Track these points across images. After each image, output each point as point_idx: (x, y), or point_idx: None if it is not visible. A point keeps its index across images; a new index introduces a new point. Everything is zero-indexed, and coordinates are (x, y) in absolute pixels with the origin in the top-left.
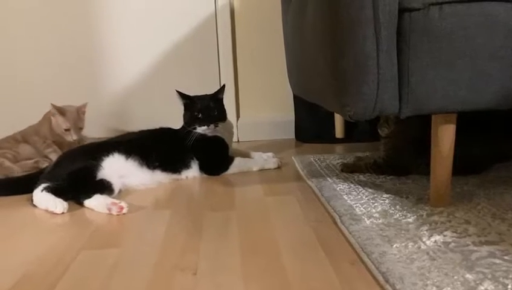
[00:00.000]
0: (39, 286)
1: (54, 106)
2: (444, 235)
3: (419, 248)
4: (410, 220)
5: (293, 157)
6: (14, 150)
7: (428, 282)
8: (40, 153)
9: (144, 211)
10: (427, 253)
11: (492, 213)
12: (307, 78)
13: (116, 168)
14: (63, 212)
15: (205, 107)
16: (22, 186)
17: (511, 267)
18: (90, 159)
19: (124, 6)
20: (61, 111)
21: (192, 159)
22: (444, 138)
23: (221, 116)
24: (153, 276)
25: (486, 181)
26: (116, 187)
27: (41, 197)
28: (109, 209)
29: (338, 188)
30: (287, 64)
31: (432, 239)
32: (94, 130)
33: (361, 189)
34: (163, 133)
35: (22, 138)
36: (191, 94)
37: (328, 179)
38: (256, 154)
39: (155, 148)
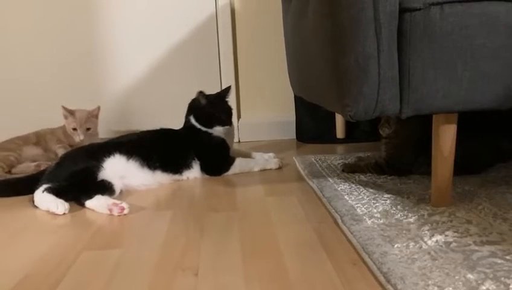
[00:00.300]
0: (41, 287)
1: (64, 108)
2: (446, 235)
3: (420, 247)
4: (411, 220)
5: (294, 158)
6: (18, 152)
7: (429, 282)
8: (45, 156)
9: (145, 211)
10: (429, 253)
11: (494, 213)
12: (307, 78)
13: (117, 169)
14: (64, 213)
15: (226, 108)
16: (23, 187)
17: None
18: (91, 160)
19: (125, 8)
20: (71, 112)
21: (194, 159)
22: (445, 138)
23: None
24: (154, 276)
25: (487, 181)
26: (117, 188)
27: (43, 198)
28: (110, 210)
29: (339, 189)
30: (288, 64)
31: (433, 239)
32: None
33: (363, 189)
34: (164, 134)
35: (37, 138)
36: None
37: (329, 179)
38: (257, 155)
39: (156, 149)
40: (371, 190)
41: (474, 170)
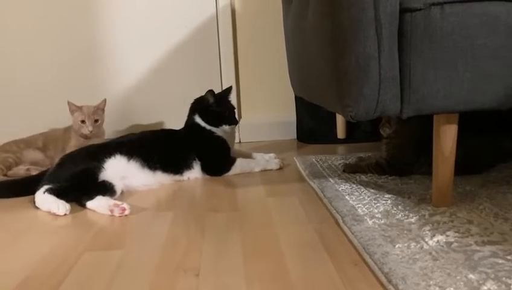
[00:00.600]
0: (42, 288)
1: (70, 103)
2: (447, 235)
3: (421, 248)
4: (412, 220)
5: (294, 158)
6: (18, 154)
7: (431, 282)
8: (46, 161)
9: (146, 212)
10: (430, 253)
11: (495, 213)
12: (308, 78)
13: (118, 169)
14: (65, 214)
15: (232, 107)
16: (24, 188)
17: None
18: (92, 161)
19: (126, 8)
20: (77, 106)
21: (194, 160)
22: (446, 138)
23: None
24: (155, 277)
25: (488, 181)
26: (118, 189)
27: (44, 198)
28: (111, 211)
29: (340, 189)
30: (288, 64)
31: (435, 239)
32: None
33: (364, 189)
34: (165, 134)
35: (44, 142)
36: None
37: (330, 179)
38: (258, 155)
39: (157, 150)
40: (372, 190)
41: (475, 170)
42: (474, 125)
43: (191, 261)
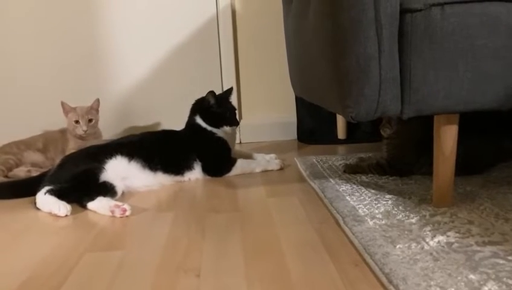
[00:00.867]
0: (43, 288)
1: (63, 103)
2: (447, 236)
3: (422, 248)
4: (413, 220)
5: (295, 159)
6: (18, 156)
7: (432, 283)
8: (46, 163)
9: (147, 213)
10: (431, 254)
11: (496, 213)
12: (308, 79)
13: (119, 170)
14: (66, 215)
15: (233, 108)
16: (25, 189)
17: None
18: (93, 162)
19: (126, 9)
20: (71, 107)
21: (195, 160)
22: (447, 138)
23: None
24: (156, 278)
25: (489, 181)
26: (119, 189)
27: (45, 199)
28: (112, 212)
29: (341, 189)
30: (289, 65)
31: (435, 240)
32: None
33: (364, 190)
34: (166, 135)
35: (44, 143)
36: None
37: (331, 180)
38: (258, 156)
39: (158, 150)
40: (373, 191)
41: (476, 170)
42: (475, 126)
43: (192, 261)
